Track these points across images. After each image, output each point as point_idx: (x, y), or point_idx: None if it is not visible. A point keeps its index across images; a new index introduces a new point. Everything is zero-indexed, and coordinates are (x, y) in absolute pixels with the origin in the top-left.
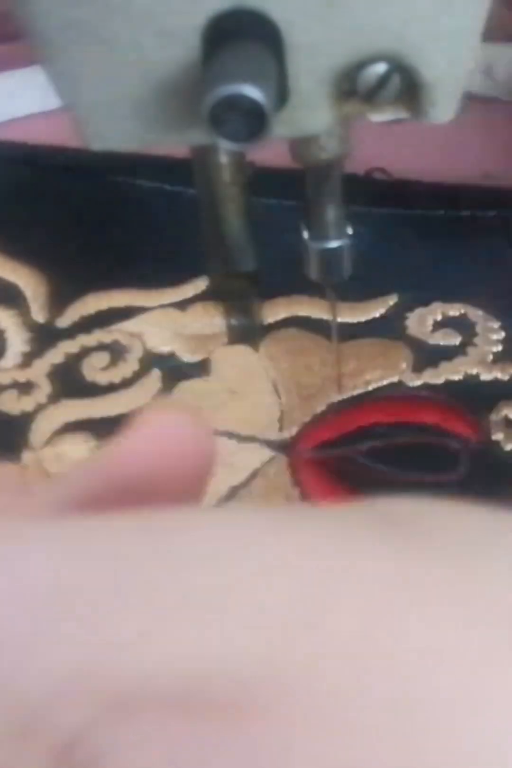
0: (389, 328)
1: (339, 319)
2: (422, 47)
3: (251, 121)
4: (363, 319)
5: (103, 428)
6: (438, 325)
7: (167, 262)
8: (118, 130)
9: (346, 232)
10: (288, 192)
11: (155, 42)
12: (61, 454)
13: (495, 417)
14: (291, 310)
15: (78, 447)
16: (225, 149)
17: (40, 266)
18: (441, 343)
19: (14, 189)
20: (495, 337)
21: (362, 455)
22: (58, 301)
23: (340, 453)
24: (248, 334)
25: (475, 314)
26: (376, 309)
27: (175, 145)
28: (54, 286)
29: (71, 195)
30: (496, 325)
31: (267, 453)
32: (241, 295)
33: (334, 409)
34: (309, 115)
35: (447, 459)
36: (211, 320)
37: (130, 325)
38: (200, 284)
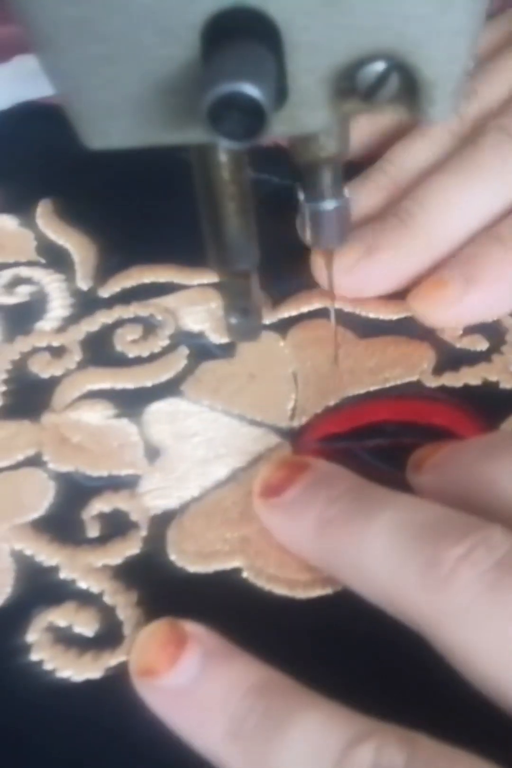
0: (418, 327)
1: (371, 315)
2: (421, 46)
3: (250, 120)
4: (394, 316)
5: (123, 399)
6: (469, 330)
7: None
8: (116, 128)
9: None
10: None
11: (154, 40)
12: (78, 421)
13: (506, 426)
14: (326, 301)
15: (96, 414)
16: (224, 147)
17: (93, 234)
18: (468, 347)
19: (72, 156)
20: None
21: (366, 451)
22: (104, 270)
23: (344, 447)
24: (248, 333)
25: (509, 322)
26: (409, 308)
27: (174, 143)
28: (103, 255)
29: (128, 165)
30: None
31: (273, 439)
32: (241, 293)
33: (346, 403)
34: (309, 113)
35: None
36: None
37: (167, 300)
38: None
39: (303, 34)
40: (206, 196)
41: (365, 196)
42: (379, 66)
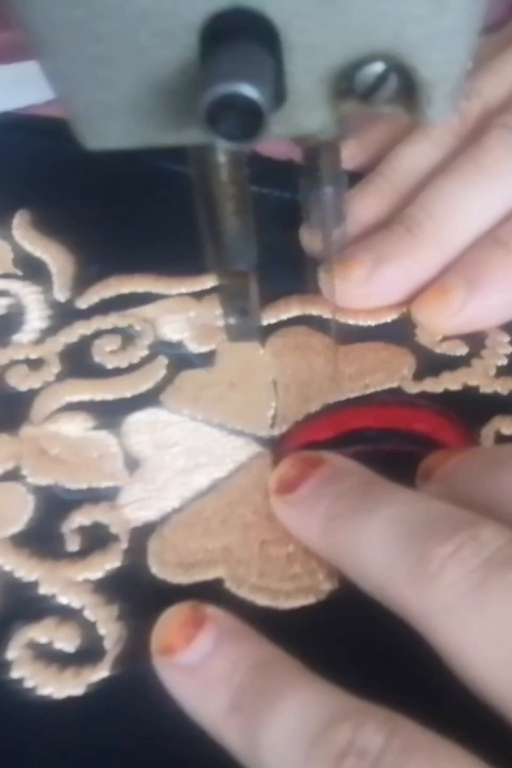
0: (398, 333)
1: (350, 321)
2: (419, 47)
3: (248, 121)
4: (373, 322)
5: (102, 410)
6: (448, 335)
7: (192, 250)
8: (114, 129)
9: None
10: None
11: (152, 41)
12: (57, 433)
13: (486, 431)
14: (305, 308)
15: (75, 426)
16: (222, 148)
17: (70, 245)
18: (448, 352)
19: (50, 167)
20: (502, 351)
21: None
22: (82, 281)
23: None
24: (246, 333)
25: (488, 327)
26: (388, 314)
27: (172, 144)
28: (80, 266)
29: (105, 176)
30: (507, 339)
31: (254, 448)
32: (240, 294)
33: (327, 411)
34: (307, 114)
35: None
36: None
37: (146, 310)
38: None
39: (301, 35)
40: (205, 196)
41: (368, 203)
42: (377, 67)
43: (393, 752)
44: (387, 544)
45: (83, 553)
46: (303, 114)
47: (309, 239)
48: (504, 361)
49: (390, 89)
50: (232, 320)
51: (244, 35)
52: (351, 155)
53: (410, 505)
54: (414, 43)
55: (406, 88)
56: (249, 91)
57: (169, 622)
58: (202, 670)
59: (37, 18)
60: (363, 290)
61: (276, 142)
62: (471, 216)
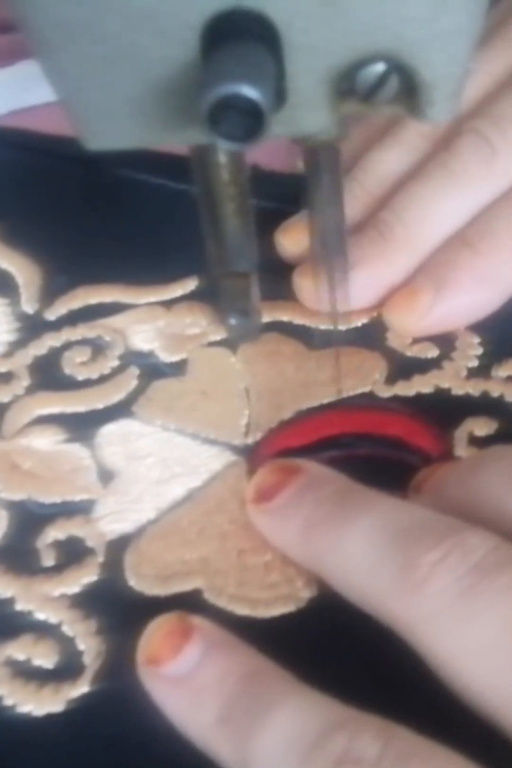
0: (369, 338)
1: (322, 327)
2: (420, 47)
3: (249, 121)
4: (343, 327)
5: (74, 423)
6: (418, 338)
7: (160, 259)
8: (115, 129)
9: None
10: (286, 196)
11: (153, 41)
12: (28, 447)
13: (459, 433)
14: (275, 314)
15: (47, 439)
16: (223, 149)
17: (36, 256)
18: (419, 355)
19: (17, 178)
20: (472, 352)
21: (321, 464)
22: (50, 292)
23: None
24: (247, 333)
25: (457, 329)
26: (359, 318)
27: (172, 144)
28: (47, 277)
29: (71, 186)
30: (476, 340)
31: (229, 457)
32: (240, 294)
33: (301, 417)
34: (308, 114)
35: (407, 474)
36: (194, 320)
37: (115, 320)
38: (189, 284)
39: (302, 35)
40: (206, 197)
41: None
42: (379, 67)
43: (391, 760)
44: (370, 551)
45: (59, 568)
46: (304, 114)
47: (285, 243)
48: (475, 363)
49: (391, 90)
50: (232, 320)
51: (245, 36)
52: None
53: (391, 512)
54: (415, 43)
55: (407, 88)
56: (250, 91)
57: (156, 632)
58: (190, 681)
59: (38, 18)
60: (337, 294)
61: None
62: (442, 220)
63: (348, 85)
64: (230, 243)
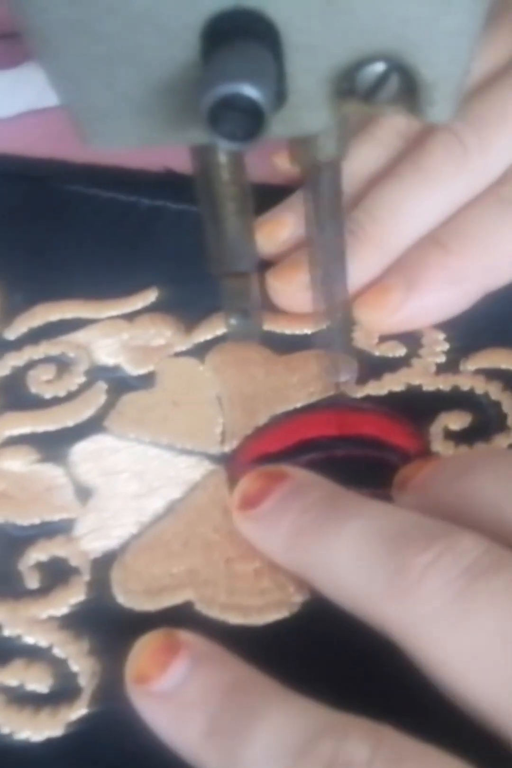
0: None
1: (288, 332)
2: (421, 47)
3: (250, 121)
4: (308, 331)
5: (46, 442)
6: (384, 337)
7: (118, 273)
8: (116, 129)
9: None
10: None
11: (154, 41)
12: (1, 469)
13: (435, 428)
14: None
15: (18, 461)
16: (224, 149)
17: None
18: (387, 354)
19: None
20: (439, 348)
21: (301, 468)
22: (8, 311)
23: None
24: (248, 333)
25: (423, 326)
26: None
27: (173, 143)
28: (3, 296)
29: (18, 203)
30: (442, 336)
31: (207, 466)
32: (241, 294)
33: (276, 422)
34: (308, 114)
35: (386, 472)
36: (158, 331)
37: (77, 336)
38: (150, 295)
39: (302, 35)
40: (206, 196)
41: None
42: (379, 67)
43: (382, 762)
44: (360, 555)
45: (44, 590)
46: (305, 114)
47: (259, 240)
48: (443, 359)
49: (391, 89)
50: (233, 321)
51: (245, 35)
52: (283, 240)
53: (380, 516)
54: (415, 43)
55: (408, 88)
56: (250, 91)
57: (143, 650)
58: (177, 697)
59: (39, 18)
60: (307, 294)
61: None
62: (414, 219)
63: (348, 85)
64: (230, 243)
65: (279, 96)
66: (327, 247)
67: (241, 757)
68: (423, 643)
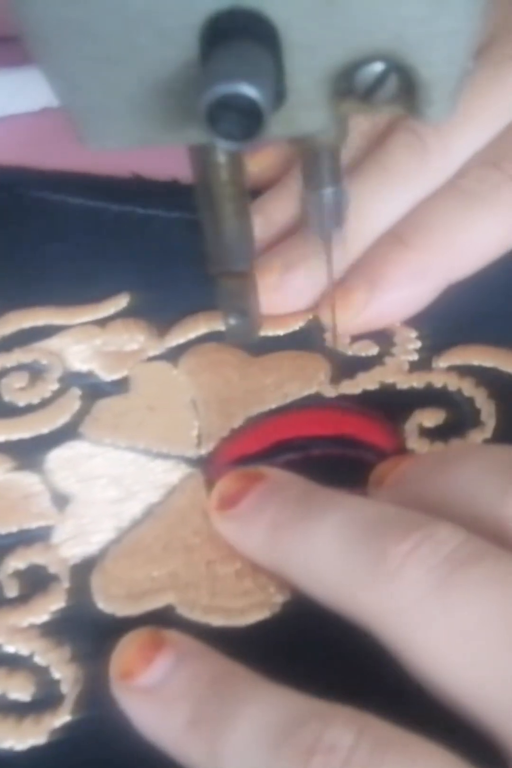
0: (308, 340)
1: (261, 334)
2: (418, 47)
3: (248, 121)
4: (282, 332)
5: (21, 450)
6: (357, 337)
7: (88, 279)
8: (115, 129)
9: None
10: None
11: (152, 41)
12: None
13: (409, 426)
14: (211, 325)
15: None
16: (222, 149)
17: None
18: (360, 353)
19: None
20: (412, 346)
21: (278, 468)
22: None
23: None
24: (245, 333)
25: (394, 325)
26: (296, 322)
27: (172, 144)
28: None
29: None
30: (414, 334)
31: (184, 469)
32: (239, 294)
33: (252, 424)
34: (307, 114)
35: (362, 470)
36: (131, 336)
37: (50, 343)
38: (121, 301)
39: (301, 35)
40: (204, 196)
41: (281, 207)
42: (377, 67)
43: (366, 748)
44: (339, 547)
45: (24, 598)
46: (303, 114)
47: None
48: (415, 357)
49: (390, 89)
50: (231, 321)
51: (243, 35)
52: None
53: (358, 509)
54: (414, 43)
55: (406, 88)
56: (249, 91)
57: (127, 647)
58: (161, 690)
59: (37, 18)
60: (274, 296)
61: (159, 162)
62: (376, 217)
63: (347, 85)
64: (229, 243)
65: (278, 96)
66: (326, 235)
67: (224, 743)
68: (404, 632)
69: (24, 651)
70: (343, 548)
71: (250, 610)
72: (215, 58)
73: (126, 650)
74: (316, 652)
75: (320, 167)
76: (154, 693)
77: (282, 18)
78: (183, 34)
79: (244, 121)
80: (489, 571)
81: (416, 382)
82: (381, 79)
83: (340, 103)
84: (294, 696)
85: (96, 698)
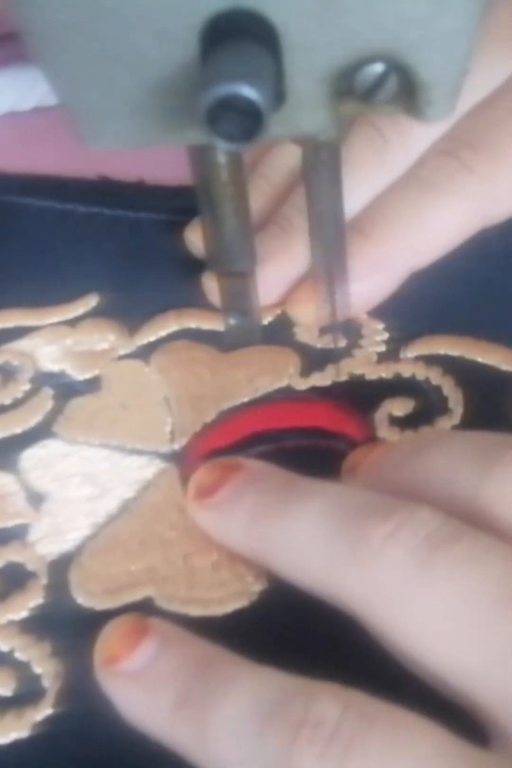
0: (278, 335)
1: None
2: (418, 47)
3: (248, 121)
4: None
5: None
6: (325, 330)
7: (57, 280)
8: (115, 129)
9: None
10: (176, 208)
11: (152, 42)
12: None
13: (379, 415)
14: (182, 322)
15: None
16: (222, 149)
17: None
18: (329, 346)
19: None
20: (379, 338)
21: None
22: None
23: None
24: (246, 333)
25: (361, 317)
26: (264, 317)
27: (172, 144)
28: None
29: None
30: (381, 326)
31: (159, 464)
32: (239, 295)
33: (224, 418)
34: (307, 114)
35: (335, 459)
36: (101, 336)
37: (21, 344)
38: (91, 301)
39: (301, 35)
40: (205, 197)
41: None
42: (377, 67)
43: (352, 722)
44: (319, 532)
45: (2, 595)
46: (303, 115)
47: (195, 240)
48: (383, 348)
49: (390, 89)
50: (231, 321)
51: (243, 36)
52: None
53: (338, 494)
54: (413, 43)
55: (406, 88)
56: (248, 91)
57: (111, 633)
58: (146, 674)
59: (37, 18)
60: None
61: (125, 164)
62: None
63: (347, 85)
64: (229, 243)
65: (278, 96)
66: (325, 232)
67: (211, 723)
68: (386, 612)
69: (4, 647)
70: (324, 533)
71: (228, 599)
72: (215, 59)
73: (110, 636)
74: (295, 637)
75: (322, 190)
76: (139, 677)
77: (282, 18)
78: (183, 35)
79: (244, 122)
80: (468, 549)
81: (384, 372)
82: (381, 80)
83: (340, 103)
84: (279, 675)
85: (77, 691)
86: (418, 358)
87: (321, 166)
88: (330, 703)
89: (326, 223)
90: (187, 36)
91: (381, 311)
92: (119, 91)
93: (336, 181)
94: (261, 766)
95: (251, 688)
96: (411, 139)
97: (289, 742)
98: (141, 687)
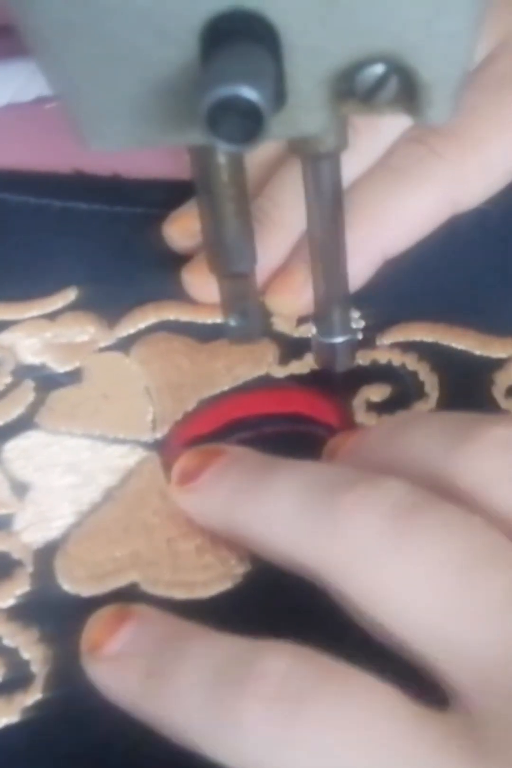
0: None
1: (209, 321)
2: (419, 48)
3: (248, 123)
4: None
5: None
6: (303, 319)
7: (35, 274)
8: (115, 130)
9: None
10: (152, 201)
11: (153, 42)
12: None
13: (357, 401)
14: (160, 314)
15: None
16: (223, 150)
17: None
18: (305, 335)
19: None
20: (355, 326)
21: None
22: None
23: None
24: (247, 335)
25: None
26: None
27: (172, 144)
28: None
29: None
30: (357, 314)
31: (141, 452)
32: (240, 295)
33: (205, 406)
34: (307, 116)
35: (314, 445)
36: (81, 329)
37: (1, 338)
38: (69, 294)
39: (301, 36)
40: (205, 197)
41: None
42: (378, 68)
43: (299, 676)
44: (293, 505)
45: None
46: (304, 116)
47: (173, 234)
48: (359, 336)
49: (390, 91)
50: (232, 322)
51: (244, 37)
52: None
53: (315, 472)
54: (414, 44)
55: (407, 89)
56: (249, 93)
57: (95, 623)
58: (122, 653)
59: (37, 18)
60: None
61: (98, 157)
62: None
63: (347, 87)
64: (229, 244)
65: (279, 98)
66: (326, 238)
67: (172, 690)
68: (355, 578)
69: None
70: (295, 505)
71: (212, 582)
72: (216, 60)
73: (94, 626)
74: (279, 618)
75: (321, 171)
76: (116, 658)
77: (283, 20)
78: (183, 36)
79: (245, 123)
80: (435, 516)
81: (361, 359)
82: (381, 81)
83: (341, 104)
84: (237, 639)
85: (66, 676)
86: (394, 345)
87: (323, 181)
88: (275, 658)
89: (326, 233)
90: (188, 37)
91: (357, 299)
92: (120, 91)
93: (337, 195)
94: (217, 726)
95: (206, 653)
96: (381, 127)
97: (238, 697)
98: (116, 665)
